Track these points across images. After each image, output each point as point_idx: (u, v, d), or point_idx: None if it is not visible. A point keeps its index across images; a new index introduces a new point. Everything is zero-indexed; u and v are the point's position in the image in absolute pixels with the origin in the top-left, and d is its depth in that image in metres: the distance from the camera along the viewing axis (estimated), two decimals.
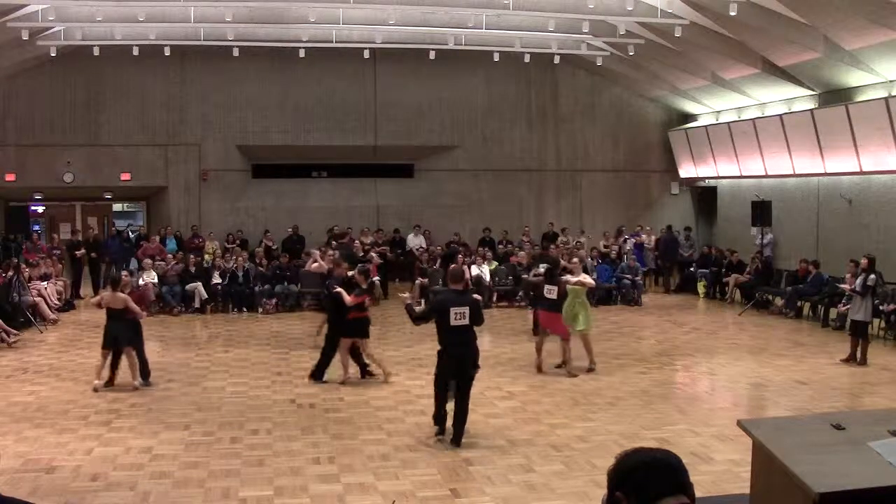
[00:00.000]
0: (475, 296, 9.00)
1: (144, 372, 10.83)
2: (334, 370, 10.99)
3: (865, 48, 14.78)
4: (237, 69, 20.97)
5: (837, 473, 4.30)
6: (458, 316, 8.20)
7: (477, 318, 8.37)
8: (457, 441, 8.21)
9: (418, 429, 8.79)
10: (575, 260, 13.21)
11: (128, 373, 10.61)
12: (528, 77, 22.68)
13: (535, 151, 23.25)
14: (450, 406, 8.37)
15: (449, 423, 8.37)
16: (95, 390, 10.32)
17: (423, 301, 18.58)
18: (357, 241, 16.46)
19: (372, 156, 22.65)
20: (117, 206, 24.52)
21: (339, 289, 10.88)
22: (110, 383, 10.60)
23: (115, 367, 10.69)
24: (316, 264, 14.82)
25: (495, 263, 19.16)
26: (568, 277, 11.73)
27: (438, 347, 8.33)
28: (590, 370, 11.50)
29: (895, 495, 4.14)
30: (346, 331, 10.84)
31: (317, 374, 11.03)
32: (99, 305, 10.91)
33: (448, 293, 8.72)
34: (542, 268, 14.02)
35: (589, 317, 11.83)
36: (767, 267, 18.37)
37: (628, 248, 20.72)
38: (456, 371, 8.26)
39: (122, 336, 10.54)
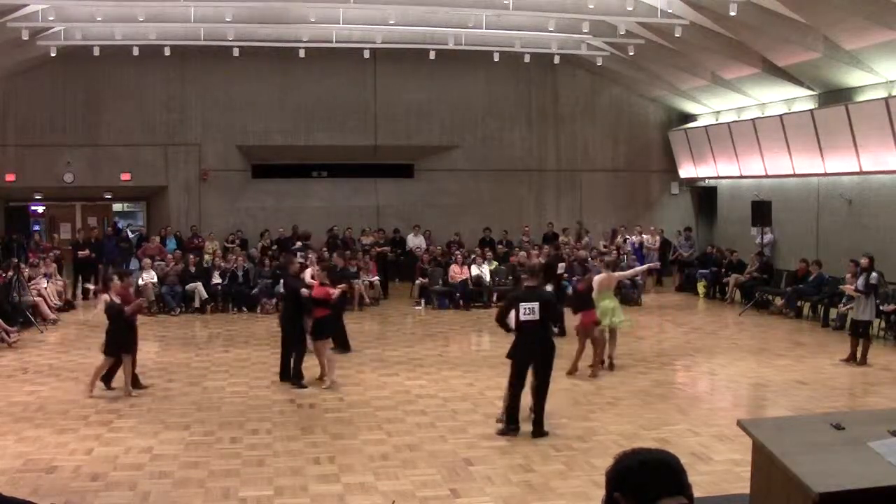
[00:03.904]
0: (548, 291, 8.98)
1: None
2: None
3: (865, 48, 14.78)
4: (237, 69, 20.95)
5: (837, 473, 4.30)
6: (527, 311, 8.35)
7: (551, 314, 8.53)
8: (536, 433, 8.38)
9: (418, 429, 8.80)
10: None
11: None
12: (528, 77, 22.66)
13: (535, 151, 23.24)
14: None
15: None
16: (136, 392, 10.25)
17: (422, 301, 18.70)
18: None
19: (372, 156, 22.64)
20: (117, 206, 24.48)
21: (316, 283, 10.85)
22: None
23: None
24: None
25: (495, 263, 19.18)
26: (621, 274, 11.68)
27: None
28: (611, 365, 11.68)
29: (895, 495, 4.14)
30: (318, 331, 10.69)
31: (294, 377, 10.77)
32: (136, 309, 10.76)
33: (519, 290, 8.95)
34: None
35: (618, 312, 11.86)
36: (767, 267, 18.36)
37: (628, 248, 20.70)
38: (527, 365, 8.43)
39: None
